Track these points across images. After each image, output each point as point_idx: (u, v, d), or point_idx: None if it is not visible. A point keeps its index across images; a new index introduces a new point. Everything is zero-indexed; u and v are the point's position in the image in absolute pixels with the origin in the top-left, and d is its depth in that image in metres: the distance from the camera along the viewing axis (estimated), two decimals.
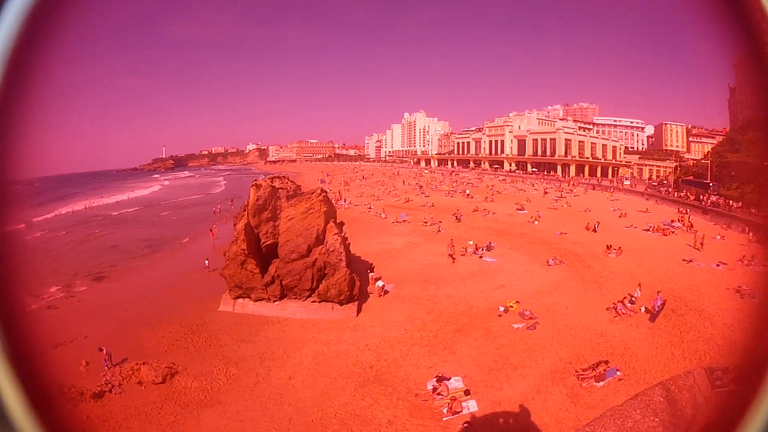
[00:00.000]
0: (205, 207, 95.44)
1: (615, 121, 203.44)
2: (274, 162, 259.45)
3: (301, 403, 22.05)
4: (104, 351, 24.70)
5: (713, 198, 79.18)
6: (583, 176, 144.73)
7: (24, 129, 1.62)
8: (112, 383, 22.86)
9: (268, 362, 25.91)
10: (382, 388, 22.90)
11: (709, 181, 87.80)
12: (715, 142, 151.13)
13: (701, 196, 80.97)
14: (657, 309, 31.13)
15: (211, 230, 60.24)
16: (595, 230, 57.70)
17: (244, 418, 20.99)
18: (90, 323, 30.74)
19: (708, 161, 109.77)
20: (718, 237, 57.52)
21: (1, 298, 1.57)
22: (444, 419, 20.48)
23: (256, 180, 37.39)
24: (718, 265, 43.35)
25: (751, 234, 58.87)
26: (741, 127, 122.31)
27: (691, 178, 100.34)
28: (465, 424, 19.74)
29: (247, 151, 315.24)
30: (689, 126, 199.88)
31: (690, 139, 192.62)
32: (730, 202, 74.95)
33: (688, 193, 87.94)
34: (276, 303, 32.83)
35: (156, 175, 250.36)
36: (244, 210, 34.71)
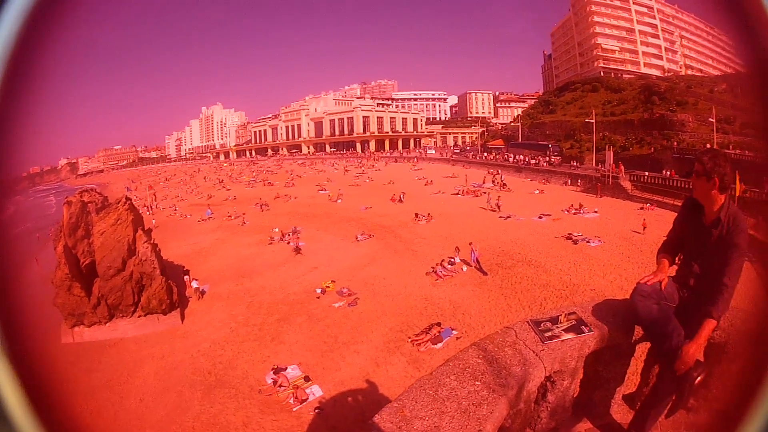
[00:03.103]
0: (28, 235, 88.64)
1: (415, 94, 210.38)
2: (84, 175, 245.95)
3: (160, 423, 21.30)
4: None
5: (555, 158, 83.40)
6: (385, 150, 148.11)
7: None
8: None
9: (117, 389, 24.65)
10: (227, 391, 22.57)
11: (547, 143, 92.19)
12: (526, 105, 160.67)
13: (539, 158, 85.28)
14: (475, 263, 32.58)
15: (35, 258, 55.75)
16: (401, 200, 60.18)
17: None
18: None
19: (519, 123, 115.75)
20: (537, 192, 61.28)
21: (1, 298, 1.57)
22: (294, 409, 20.52)
23: (67, 197, 35.32)
24: (540, 218, 46.48)
25: (580, 184, 64.54)
26: (556, 89, 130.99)
27: (520, 141, 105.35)
28: (316, 410, 20.01)
29: (60, 167, 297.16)
30: (496, 93, 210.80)
31: (497, 105, 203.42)
32: (551, 158, 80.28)
33: (518, 155, 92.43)
34: (107, 324, 31.16)
35: None
36: (61, 231, 32.77)
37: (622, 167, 63.22)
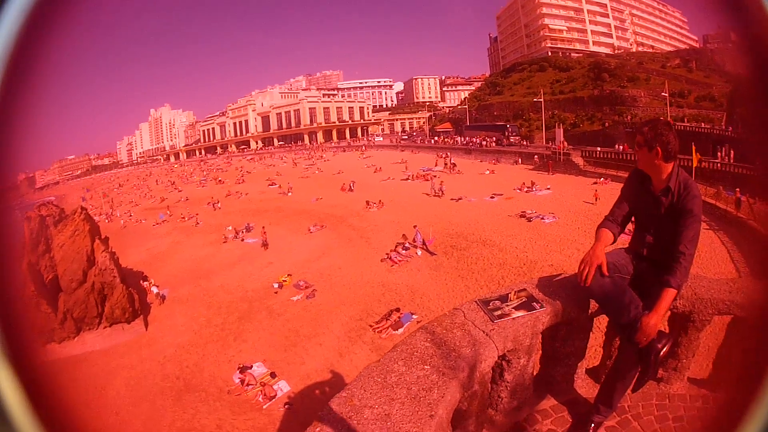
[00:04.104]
0: None
1: (361, 83, 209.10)
2: (41, 188, 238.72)
3: None
4: None
5: (514, 138, 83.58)
6: (333, 141, 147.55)
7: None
8: None
9: (93, 404, 24.06)
10: (197, 395, 22.54)
11: (505, 123, 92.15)
12: (473, 88, 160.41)
13: (497, 139, 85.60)
14: (421, 244, 33.34)
15: None
16: (351, 189, 60.04)
17: None
18: None
19: (466, 106, 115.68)
20: (487, 172, 61.49)
21: (1, 298, 1.57)
22: (264, 407, 20.57)
23: (27, 213, 35.09)
24: (492, 197, 46.77)
25: (535, 160, 64.87)
26: (502, 71, 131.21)
27: (476, 124, 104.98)
28: (285, 406, 20.13)
29: (19, 182, 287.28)
30: (442, 77, 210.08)
31: (444, 89, 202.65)
32: (509, 139, 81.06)
33: (474, 138, 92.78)
34: (75, 339, 30.70)
35: None
36: (23, 248, 31.93)
37: (565, 144, 64.35)
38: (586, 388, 5.73)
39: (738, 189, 33.24)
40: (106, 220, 70.64)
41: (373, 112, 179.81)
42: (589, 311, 5.15)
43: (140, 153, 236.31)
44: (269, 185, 75.42)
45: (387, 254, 33.43)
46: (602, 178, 50.06)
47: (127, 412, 22.91)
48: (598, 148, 63.42)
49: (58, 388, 1.70)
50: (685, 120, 66.34)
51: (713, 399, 5.21)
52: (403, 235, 35.53)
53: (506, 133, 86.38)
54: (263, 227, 44.63)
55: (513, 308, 4.92)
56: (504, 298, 5.10)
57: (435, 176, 60.98)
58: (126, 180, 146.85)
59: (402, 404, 3.81)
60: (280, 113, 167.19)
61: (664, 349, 4.27)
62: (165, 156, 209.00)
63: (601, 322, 5.56)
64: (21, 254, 31.61)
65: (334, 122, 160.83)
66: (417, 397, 3.88)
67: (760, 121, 1.83)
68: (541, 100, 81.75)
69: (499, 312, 4.88)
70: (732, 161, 46.25)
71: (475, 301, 5.17)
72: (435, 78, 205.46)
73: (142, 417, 22.12)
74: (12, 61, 1.49)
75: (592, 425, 4.98)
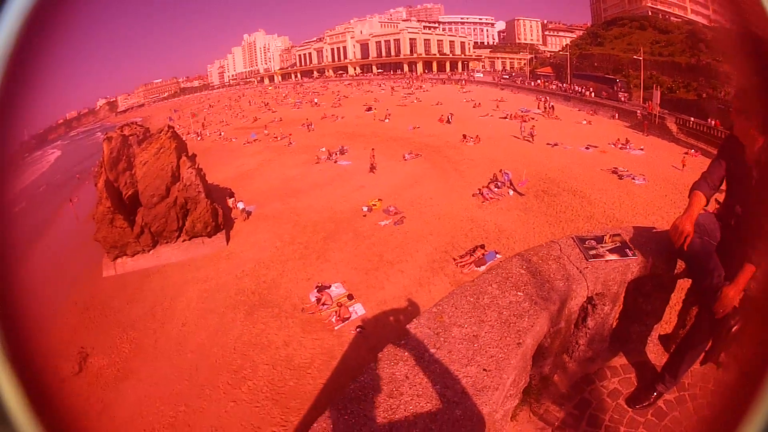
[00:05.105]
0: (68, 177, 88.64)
1: (462, 18, 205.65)
2: (124, 111, 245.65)
3: (201, 347, 21.75)
4: None
5: (622, 94, 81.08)
6: (432, 73, 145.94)
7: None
8: None
9: (159, 315, 25.19)
10: (269, 310, 22.93)
11: (615, 77, 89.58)
12: (575, 36, 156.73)
13: (603, 93, 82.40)
14: (509, 183, 32.97)
15: (70, 200, 56.15)
16: (448, 122, 58.90)
17: (157, 380, 20.39)
18: None
19: (567, 53, 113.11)
20: (584, 122, 59.98)
21: (1, 298, 1.51)
22: (336, 328, 20.77)
23: (107, 133, 35.54)
24: (587, 148, 45.35)
25: (639, 115, 62.44)
26: (604, 23, 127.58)
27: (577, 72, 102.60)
28: (357, 329, 20.26)
29: (98, 107, 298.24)
30: (544, 21, 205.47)
31: (546, 33, 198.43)
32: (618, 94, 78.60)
33: (582, 88, 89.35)
34: (151, 252, 31.72)
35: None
36: (101, 167, 32.97)
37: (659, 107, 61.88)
38: (655, 354, 5.68)
39: None
40: (198, 138, 72.39)
41: (473, 48, 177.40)
42: (675, 270, 5.06)
43: (232, 75, 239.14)
44: (366, 110, 74.42)
45: (479, 190, 32.73)
46: (693, 150, 47.37)
47: (193, 323, 23.61)
48: (692, 119, 60.07)
49: (58, 388, 1.56)
50: None
51: (743, 364, 4.73)
52: (500, 171, 34.56)
53: (615, 88, 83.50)
54: (372, 149, 43.94)
55: (607, 251, 4.91)
56: (599, 239, 5.08)
57: (532, 118, 59.76)
58: (217, 101, 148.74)
59: (491, 327, 3.79)
60: (380, 41, 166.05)
61: (735, 327, 4.14)
62: (259, 78, 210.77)
63: (682, 287, 5.40)
64: (98, 173, 32.69)
65: (434, 54, 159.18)
66: (507, 323, 3.85)
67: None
68: (641, 58, 78.97)
69: (594, 252, 4.88)
70: None
71: (572, 237, 5.20)
72: (537, 21, 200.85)
73: (210, 329, 22.69)
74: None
75: (655, 394, 4.93)
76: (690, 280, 5.03)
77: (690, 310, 5.50)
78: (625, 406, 5.05)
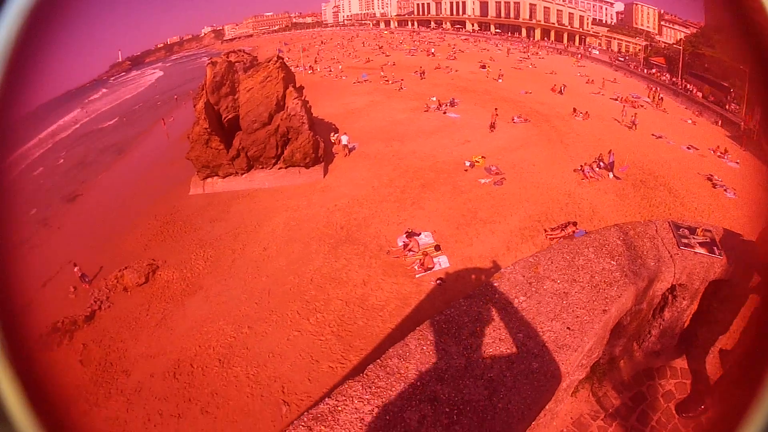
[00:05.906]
0: (163, 99, 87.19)
1: None
2: (231, 40, 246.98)
3: (278, 272, 22.51)
4: (77, 269, 24.03)
5: (733, 104, 77.88)
6: (548, 41, 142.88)
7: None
8: (100, 299, 22.58)
9: (242, 237, 26.11)
10: (355, 248, 23.53)
11: (730, 86, 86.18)
12: (689, 32, 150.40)
13: (711, 97, 79.18)
14: (609, 165, 32.31)
15: (162, 120, 57.70)
16: (561, 92, 57.44)
17: (226, 299, 21.36)
18: (72, 247, 29.15)
19: (681, 47, 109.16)
20: (689, 121, 57.91)
21: (1, 297, 1.56)
22: (417, 276, 21.16)
23: (211, 58, 36.43)
24: (688, 148, 43.69)
25: (742, 126, 58.50)
26: (716, 27, 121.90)
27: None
28: (438, 281, 20.55)
29: (203, 35, 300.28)
30: (661, 11, 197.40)
31: (662, 23, 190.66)
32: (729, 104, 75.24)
33: (694, 87, 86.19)
34: (244, 176, 32.75)
35: (111, 80, 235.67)
36: (202, 90, 33.74)
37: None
38: (713, 366, 5.71)
39: None
40: (309, 72, 72.77)
41: (591, 24, 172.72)
42: (750, 283, 4.99)
43: (347, 16, 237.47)
44: (480, 67, 72.82)
45: (581, 166, 32.15)
46: None
47: (275, 249, 24.38)
48: None
49: (57, 388, 1.67)
50: None
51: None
52: (609, 151, 33.51)
53: (728, 97, 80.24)
54: (495, 108, 42.99)
55: (698, 243, 5.04)
56: (692, 230, 5.22)
57: (641, 106, 57.91)
58: (329, 39, 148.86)
59: (582, 288, 4.01)
60: (500, 2, 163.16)
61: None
62: (374, 22, 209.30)
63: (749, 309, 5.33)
64: (198, 95, 33.53)
65: (553, 24, 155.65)
66: (597, 287, 4.05)
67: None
68: (747, 71, 74.50)
69: (686, 240, 5.05)
70: None
71: (668, 222, 5.42)
72: (655, 9, 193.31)
73: (291, 257, 23.42)
74: None
75: (702, 407, 5.02)
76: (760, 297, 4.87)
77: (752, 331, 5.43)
78: (674, 411, 5.28)
